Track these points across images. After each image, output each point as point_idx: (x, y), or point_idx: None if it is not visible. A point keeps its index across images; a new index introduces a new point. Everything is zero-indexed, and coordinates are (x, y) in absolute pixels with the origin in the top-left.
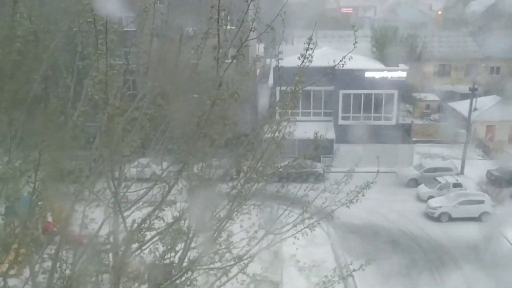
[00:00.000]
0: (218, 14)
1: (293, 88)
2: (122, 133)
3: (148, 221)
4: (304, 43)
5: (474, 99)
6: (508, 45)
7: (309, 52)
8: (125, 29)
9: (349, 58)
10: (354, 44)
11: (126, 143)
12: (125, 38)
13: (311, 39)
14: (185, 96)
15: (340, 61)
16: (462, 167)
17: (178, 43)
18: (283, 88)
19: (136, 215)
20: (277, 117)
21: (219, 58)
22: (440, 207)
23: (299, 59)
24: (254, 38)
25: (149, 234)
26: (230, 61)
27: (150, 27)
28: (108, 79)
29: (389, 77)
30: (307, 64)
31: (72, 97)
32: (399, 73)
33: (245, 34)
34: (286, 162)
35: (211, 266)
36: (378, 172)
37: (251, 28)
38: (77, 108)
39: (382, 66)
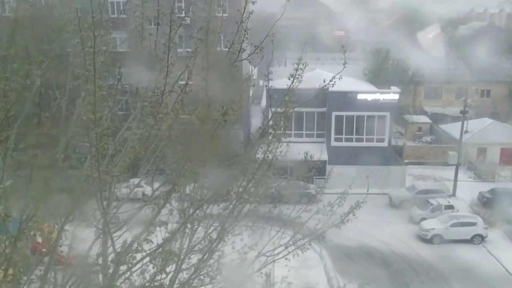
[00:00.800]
0: (207, 35)
1: (283, 109)
2: (112, 153)
3: (137, 243)
4: (294, 63)
5: (465, 122)
6: (498, 69)
7: (299, 72)
8: (119, 49)
9: (339, 78)
10: (343, 64)
11: (116, 163)
12: (117, 59)
13: (301, 59)
14: (175, 116)
15: (330, 81)
16: (454, 189)
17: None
18: (274, 108)
19: (126, 236)
20: (269, 137)
21: (208, 78)
22: (433, 229)
23: (289, 79)
24: (244, 59)
25: (139, 256)
26: (220, 82)
27: (141, 48)
28: (96, 100)
29: (381, 99)
30: (297, 84)
31: (65, 116)
32: (391, 96)
33: (235, 55)
34: (279, 183)
35: None
36: (367, 192)
37: (240, 49)
38: (69, 128)
39: (374, 89)
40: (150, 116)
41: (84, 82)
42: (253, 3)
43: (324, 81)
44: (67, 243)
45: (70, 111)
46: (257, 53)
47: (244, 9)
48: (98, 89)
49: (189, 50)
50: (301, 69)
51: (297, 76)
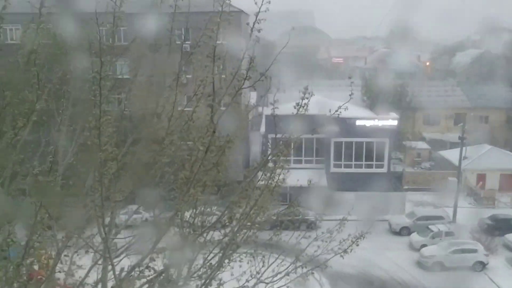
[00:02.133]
0: (214, 62)
1: (288, 136)
2: (114, 178)
3: (139, 269)
4: (299, 92)
5: (464, 148)
6: (495, 95)
7: (305, 101)
8: (122, 76)
9: (345, 109)
10: (350, 95)
11: (118, 189)
12: (120, 86)
13: (307, 88)
14: (178, 142)
15: (336, 111)
16: (454, 215)
17: (172, 89)
18: (277, 135)
19: (125, 262)
20: (271, 164)
21: (214, 105)
22: (433, 256)
23: (294, 108)
24: (249, 87)
25: (138, 283)
26: (224, 108)
27: (143, 75)
28: (102, 125)
29: (380, 125)
30: (302, 112)
31: (64, 141)
32: (390, 122)
33: (239, 82)
34: (279, 210)
35: None
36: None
37: (246, 76)
38: (69, 153)
39: (372, 115)
40: (154, 142)
41: (88, 107)
42: (259, 31)
43: (330, 111)
44: (64, 270)
45: (70, 136)
46: (262, 80)
47: (251, 36)
48: (103, 114)
49: (188, 76)
50: (307, 98)
51: (303, 104)
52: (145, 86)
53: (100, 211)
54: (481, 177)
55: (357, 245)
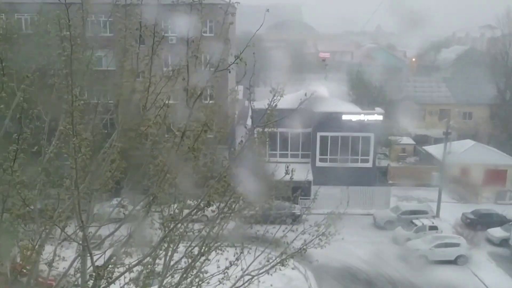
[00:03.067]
0: (188, 45)
1: (265, 124)
2: (92, 167)
3: (117, 256)
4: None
5: (448, 143)
6: (479, 91)
7: (280, 87)
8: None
9: (312, 94)
10: (325, 77)
11: (96, 177)
12: (104, 77)
13: (281, 74)
14: (157, 130)
15: (306, 99)
16: (438, 209)
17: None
18: (254, 124)
19: (107, 254)
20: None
21: (188, 89)
22: (417, 250)
23: (270, 92)
24: (224, 69)
25: (118, 271)
26: (199, 95)
27: (128, 66)
28: (74, 110)
29: (365, 120)
30: (278, 99)
31: (47, 132)
32: (376, 117)
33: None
34: (264, 203)
35: None
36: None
37: (220, 59)
38: (51, 143)
39: (358, 110)
40: (131, 130)
41: (65, 94)
42: (232, 14)
43: (306, 94)
44: (47, 263)
45: (53, 127)
46: (237, 63)
47: (224, 20)
48: (75, 99)
49: (174, 69)
50: (282, 83)
51: (278, 91)
52: (128, 77)
53: (76, 198)
54: (465, 172)
55: (334, 227)
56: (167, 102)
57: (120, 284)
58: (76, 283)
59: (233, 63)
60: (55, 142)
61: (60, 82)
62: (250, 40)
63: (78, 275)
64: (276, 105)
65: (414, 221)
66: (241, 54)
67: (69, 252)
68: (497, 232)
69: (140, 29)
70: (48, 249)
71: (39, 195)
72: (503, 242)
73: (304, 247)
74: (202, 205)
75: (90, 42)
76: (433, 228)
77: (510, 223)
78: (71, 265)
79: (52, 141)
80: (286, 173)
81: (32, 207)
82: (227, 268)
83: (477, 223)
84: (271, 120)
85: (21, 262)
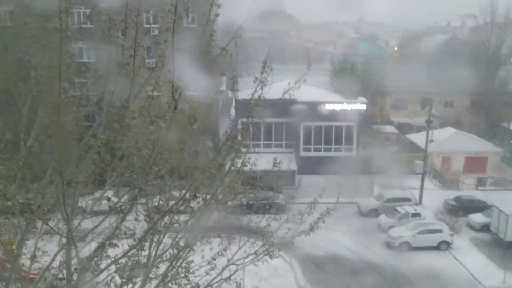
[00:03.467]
0: (173, 35)
1: (250, 114)
2: (76, 159)
3: (102, 249)
4: (262, 67)
5: (430, 131)
6: (461, 80)
7: (264, 75)
8: (87, 60)
9: (298, 86)
10: (307, 67)
11: (81, 170)
12: (85, 70)
13: (265, 62)
14: (142, 122)
15: (291, 87)
16: (421, 197)
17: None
18: (240, 116)
19: (92, 247)
20: (237, 142)
21: (174, 81)
22: (400, 236)
23: (254, 82)
24: (210, 61)
25: (104, 264)
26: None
27: (108, 57)
28: (60, 103)
29: (348, 109)
30: (264, 90)
31: (26, 124)
32: (359, 106)
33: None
34: (248, 193)
35: None
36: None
37: (207, 50)
38: (31, 136)
39: (342, 99)
40: (116, 122)
41: (48, 85)
42: (219, 6)
43: (289, 84)
44: (29, 256)
45: (32, 119)
46: (224, 54)
47: (210, 12)
48: (62, 91)
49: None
50: (266, 72)
51: (263, 79)
52: (110, 69)
53: (61, 191)
54: (446, 160)
55: (324, 222)
56: (151, 94)
57: (105, 276)
58: (59, 276)
59: (219, 54)
60: (34, 134)
61: (42, 74)
62: (236, 32)
63: (63, 268)
64: (262, 96)
65: (397, 208)
66: (227, 46)
67: (52, 246)
68: (478, 218)
69: (126, 21)
70: (29, 244)
71: (20, 188)
72: (484, 228)
73: (292, 239)
74: (187, 196)
75: (74, 33)
76: (416, 215)
77: (491, 208)
78: (53, 258)
79: (31, 133)
80: (274, 165)
81: (12, 201)
82: (214, 259)
83: (459, 209)
84: (256, 111)
85: (3, 257)
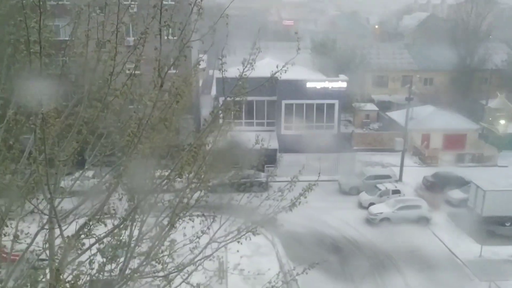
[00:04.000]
0: (161, 13)
1: (235, 94)
2: (57, 138)
3: (86, 228)
4: (250, 49)
5: (410, 109)
6: (440, 58)
7: (252, 57)
8: (62, 38)
9: (288, 67)
10: (297, 50)
11: (63, 148)
12: (61, 47)
13: (255, 45)
14: (124, 101)
15: (281, 68)
16: (401, 174)
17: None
18: (224, 94)
19: (74, 226)
20: (220, 121)
21: (160, 59)
22: (381, 213)
23: (242, 64)
24: (197, 40)
25: (88, 243)
26: (172, 65)
27: (85, 31)
28: (41, 80)
29: (330, 87)
30: (250, 71)
31: (3, 105)
32: (340, 84)
33: (187, 38)
34: (230, 171)
35: (154, 275)
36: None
37: (193, 29)
38: (7, 115)
39: (323, 77)
40: (97, 100)
41: (28, 62)
42: None
43: (277, 67)
44: (10, 238)
45: (7, 99)
46: (210, 34)
47: None
48: (44, 67)
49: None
50: (254, 53)
51: (250, 61)
52: (89, 46)
53: (43, 170)
54: (426, 137)
55: (306, 198)
56: (134, 72)
57: (88, 255)
58: (41, 256)
59: (207, 34)
60: (11, 114)
61: (21, 51)
62: (224, 11)
63: (46, 248)
64: (247, 76)
65: (378, 185)
66: (214, 25)
67: (34, 228)
68: (456, 194)
69: None
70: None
71: None
72: (462, 203)
73: (273, 215)
74: (172, 175)
75: (51, 9)
76: (396, 192)
77: (469, 184)
78: (34, 238)
79: (7, 112)
80: (257, 142)
81: None
82: (198, 237)
83: (438, 185)
84: (242, 92)
85: None
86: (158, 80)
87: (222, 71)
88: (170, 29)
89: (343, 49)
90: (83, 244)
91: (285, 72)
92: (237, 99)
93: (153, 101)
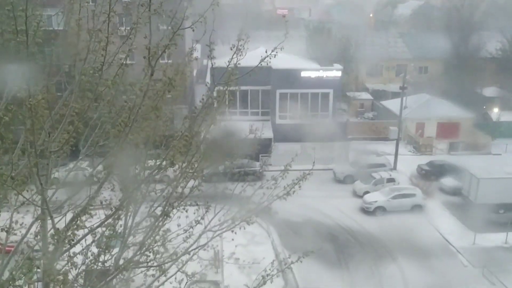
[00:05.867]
0: (150, 1)
1: (227, 82)
2: (49, 129)
3: (78, 219)
4: (237, 36)
5: (405, 98)
6: (434, 46)
7: (241, 43)
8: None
9: (284, 56)
10: (285, 34)
11: (54, 139)
12: (52, 37)
13: (243, 31)
14: (115, 91)
15: (270, 53)
16: (395, 162)
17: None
18: (215, 83)
19: (68, 217)
20: (213, 109)
21: (150, 47)
22: (375, 201)
23: (231, 49)
24: (186, 28)
25: (81, 234)
26: (162, 53)
27: (76, 20)
28: (30, 70)
29: (324, 76)
30: (241, 57)
31: None
32: (334, 73)
33: (178, 25)
34: (224, 161)
35: (149, 264)
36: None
37: (184, 17)
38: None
39: (317, 66)
40: (88, 90)
41: (16, 51)
42: None
43: (266, 51)
44: (4, 229)
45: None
46: (201, 21)
47: None
48: (31, 57)
49: (129, 28)
50: (243, 39)
51: (240, 47)
52: (80, 35)
53: (34, 160)
54: (420, 126)
55: (300, 187)
56: (125, 62)
57: (82, 246)
58: (36, 247)
59: (197, 21)
60: (2, 104)
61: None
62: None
63: (39, 239)
64: (238, 63)
65: (372, 174)
66: (205, 12)
67: (28, 218)
68: (450, 182)
69: None
70: (5, 216)
71: None
72: (456, 191)
73: (269, 204)
74: (163, 165)
75: None
76: (391, 180)
77: (463, 172)
78: (28, 230)
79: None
80: (251, 132)
81: None
82: (191, 227)
83: (432, 174)
84: (232, 79)
85: None
86: (148, 69)
87: (211, 58)
88: (160, 17)
89: (337, 38)
90: (75, 235)
91: (275, 57)
92: (228, 88)
93: (144, 90)
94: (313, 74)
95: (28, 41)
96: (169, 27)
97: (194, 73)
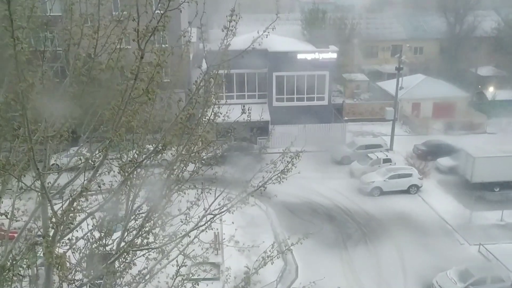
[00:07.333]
0: None
1: (218, 64)
2: (46, 116)
3: (76, 203)
4: (227, 16)
5: (400, 78)
6: (430, 27)
7: (233, 24)
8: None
9: (268, 33)
10: (276, 14)
11: (51, 124)
12: (51, 23)
13: (233, 10)
14: (111, 75)
15: (262, 34)
16: (391, 143)
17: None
18: (209, 65)
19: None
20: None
21: (139, 29)
22: (372, 182)
23: (222, 31)
24: (175, 8)
25: (79, 217)
26: (151, 35)
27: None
28: (17, 54)
29: (320, 58)
30: (230, 38)
31: None
32: (330, 55)
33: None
34: (222, 144)
35: (149, 247)
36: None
37: None
38: None
39: (313, 48)
40: (83, 75)
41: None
42: None
43: (257, 32)
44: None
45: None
46: (188, 2)
47: None
48: (17, 42)
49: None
50: (234, 20)
51: (231, 28)
52: (74, 20)
53: (29, 145)
54: (416, 106)
55: (293, 165)
56: (118, 46)
57: (83, 231)
58: (39, 233)
59: (184, 1)
60: (3, 93)
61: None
62: None
63: (39, 224)
64: (229, 44)
65: (369, 155)
66: None
67: (31, 205)
68: (446, 161)
69: None
70: (8, 203)
71: None
72: (452, 170)
73: (264, 185)
74: (159, 148)
75: None
76: (387, 160)
77: (458, 152)
78: (32, 216)
79: None
80: (243, 112)
81: None
82: (188, 209)
83: (428, 153)
84: (224, 60)
85: None
86: (138, 51)
87: (203, 40)
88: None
89: (333, 20)
90: (74, 219)
91: (266, 37)
92: (218, 70)
93: (135, 73)
94: (309, 56)
95: (13, 26)
96: (159, 10)
97: (191, 57)
